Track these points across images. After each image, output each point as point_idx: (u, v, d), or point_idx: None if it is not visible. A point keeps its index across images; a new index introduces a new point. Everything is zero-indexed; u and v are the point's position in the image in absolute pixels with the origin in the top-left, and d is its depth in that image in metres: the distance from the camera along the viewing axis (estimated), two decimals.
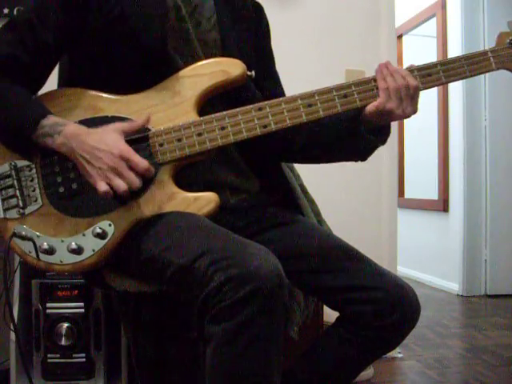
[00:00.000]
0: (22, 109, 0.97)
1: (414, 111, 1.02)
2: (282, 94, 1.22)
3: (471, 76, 1.02)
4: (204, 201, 0.98)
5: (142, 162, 0.92)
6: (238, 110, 0.99)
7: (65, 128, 0.94)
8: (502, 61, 1.01)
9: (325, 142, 1.12)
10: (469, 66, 1.01)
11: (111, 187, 0.91)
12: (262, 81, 1.16)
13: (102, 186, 0.90)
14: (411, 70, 1.02)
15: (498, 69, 1.02)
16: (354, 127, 1.05)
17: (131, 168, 0.91)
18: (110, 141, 0.92)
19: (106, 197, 0.91)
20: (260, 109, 0.99)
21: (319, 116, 1.00)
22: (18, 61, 1.00)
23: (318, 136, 1.11)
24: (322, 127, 1.09)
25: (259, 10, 1.24)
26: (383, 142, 1.09)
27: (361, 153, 1.12)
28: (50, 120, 0.95)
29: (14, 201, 1.00)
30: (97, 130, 0.95)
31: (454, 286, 3.56)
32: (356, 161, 1.15)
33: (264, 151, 1.16)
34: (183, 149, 0.99)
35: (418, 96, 1.02)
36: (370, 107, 1.01)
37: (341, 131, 1.07)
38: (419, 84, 1.01)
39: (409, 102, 1.00)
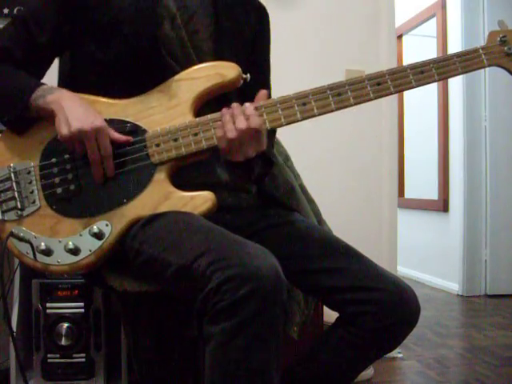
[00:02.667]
0: (21, 78, 1.03)
1: (258, 150, 0.97)
2: None
3: (463, 73, 1.04)
4: (200, 199, 0.98)
5: (108, 143, 0.96)
6: None
7: (56, 90, 1.00)
8: (494, 57, 1.03)
9: None
10: (461, 62, 1.03)
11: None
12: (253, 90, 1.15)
13: (65, 130, 0.95)
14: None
15: (489, 65, 1.04)
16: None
17: (98, 143, 0.96)
18: (95, 114, 0.97)
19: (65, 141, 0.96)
20: (255, 109, 1.00)
21: (314, 114, 1.01)
22: (11, 55, 1.05)
23: None
24: None
25: (263, 15, 1.23)
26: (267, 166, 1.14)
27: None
28: (44, 86, 1.01)
29: (12, 203, 1.01)
30: (87, 104, 1.00)
31: (454, 286, 3.56)
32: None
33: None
34: (179, 148, 0.99)
35: (262, 135, 0.97)
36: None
37: None
38: (263, 124, 0.97)
39: (250, 146, 0.96)
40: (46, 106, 0.98)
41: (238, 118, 0.95)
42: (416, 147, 4.11)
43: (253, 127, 0.94)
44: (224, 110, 0.97)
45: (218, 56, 1.10)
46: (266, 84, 1.24)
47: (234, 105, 0.97)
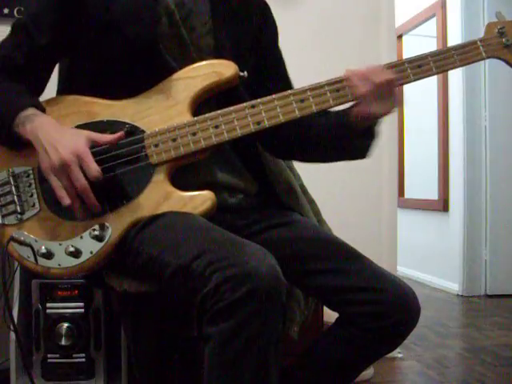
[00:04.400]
0: (7, 100, 1.00)
1: (395, 105, 1.01)
2: None
3: (462, 65, 1.03)
4: (200, 199, 0.98)
5: (94, 167, 0.93)
6: (231, 108, 1.00)
7: (36, 118, 0.97)
8: (492, 49, 1.02)
9: (319, 143, 1.14)
10: (459, 55, 1.02)
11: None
12: (270, 85, 1.15)
13: (52, 179, 0.93)
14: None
15: (488, 57, 1.03)
16: (343, 133, 1.06)
17: (83, 169, 0.92)
18: (73, 139, 0.94)
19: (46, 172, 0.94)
20: (253, 106, 1.00)
21: (312, 111, 1.00)
22: (13, 62, 1.03)
23: (311, 137, 1.13)
24: (315, 129, 1.10)
25: (265, 9, 1.22)
26: (376, 137, 1.09)
27: (357, 153, 1.13)
28: (28, 111, 0.98)
29: (12, 207, 1.01)
30: (67, 128, 0.98)
31: (454, 286, 3.56)
32: (355, 159, 1.16)
33: (261, 150, 1.17)
34: (178, 148, 0.99)
35: (394, 89, 1.01)
36: (354, 114, 1.01)
37: (333, 136, 1.09)
38: (394, 77, 1.00)
39: (388, 99, 1.00)
40: (25, 135, 0.97)
41: (369, 76, 0.98)
42: (416, 147, 4.11)
43: (387, 78, 0.98)
44: (348, 73, 1.01)
45: (218, 51, 1.09)
46: (283, 76, 1.23)
47: (353, 72, 1.00)
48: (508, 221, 3.46)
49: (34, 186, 1.01)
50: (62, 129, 0.97)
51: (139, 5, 1.03)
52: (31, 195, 1.01)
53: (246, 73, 1.04)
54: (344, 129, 1.05)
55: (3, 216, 1.01)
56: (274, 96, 1.00)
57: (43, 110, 1.01)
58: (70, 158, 0.92)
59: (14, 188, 1.01)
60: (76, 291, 1.62)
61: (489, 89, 3.40)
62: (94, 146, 0.97)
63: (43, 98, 1.08)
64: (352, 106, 1.03)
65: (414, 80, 1.02)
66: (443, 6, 3.66)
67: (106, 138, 0.98)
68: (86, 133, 0.97)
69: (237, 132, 1.00)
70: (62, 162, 0.92)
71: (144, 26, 1.02)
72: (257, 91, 1.09)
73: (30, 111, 0.98)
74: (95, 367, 1.63)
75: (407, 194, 4.22)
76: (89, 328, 1.62)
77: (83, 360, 1.61)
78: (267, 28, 1.22)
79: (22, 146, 1.00)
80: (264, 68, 1.18)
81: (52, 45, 1.05)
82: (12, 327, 1.01)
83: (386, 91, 0.99)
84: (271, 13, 1.24)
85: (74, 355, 1.61)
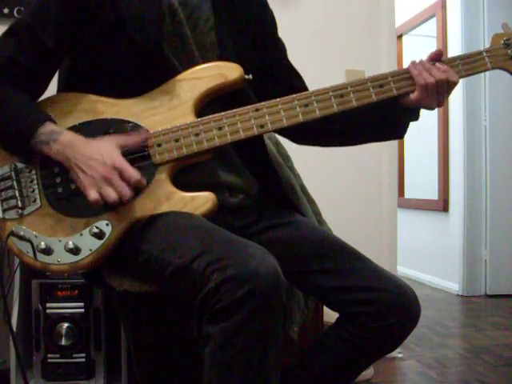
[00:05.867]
0: (20, 115, 0.98)
1: (447, 98, 1.07)
2: (301, 85, 1.22)
3: (467, 76, 1.05)
4: (201, 200, 0.98)
5: (134, 174, 0.93)
6: (235, 110, 1.00)
7: (60, 137, 0.96)
8: (498, 60, 1.04)
9: (359, 122, 1.15)
10: (464, 65, 1.04)
11: (102, 196, 0.92)
12: (275, 74, 1.17)
13: (92, 195, 0.92)
14: (454, 60, 1.04)
15: (493, 68, 1.05)
16: (387, 113, 1.10)
17: (123, 179, 0.93)
18: (104, 151, 0.94)
19: (96, 204, 0.93)
20: (257, 109, 1.00)
21: (315, 116, 1.01)
22: (17, 64, 1.00)
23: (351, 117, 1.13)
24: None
25: (263, 3, 1.23)
26: (417, 118, 1.13)
27: (398, 132, 1.18)
28: (46, 128, 0.96)
29: (13, 202, 1.01)
30: (93, 140, 0.97)
31: (454, 286, 3.56)
32: (393, 139, 1.25)
33: (262, 151, 1.17)
34: (181, 149, 0.99)
35: (454, 88, 1.05)
36: (408, 101, 1.05)
37: (377, 114, 1.11)
38: (458, 79, 1.03)
39: (445, 95, 1.04)
40: (51, 155, 0.96)
41: (434, 70, 1.02)
42: (416, 147, 4.10)
43: (451, 80, 1.02)
44: (414, 63, 1.04)
45: (221, 50, 1.09)
46: (286, 65, 1.24)
47: (421, 61, 1.03)
48: (508, 221, 3.46)
49: (35, 181, 1.01)
50: (89, 143, 0.96)
51: (144, 4, 1.03)
52: (33, 191, 1.01)
53: (250, 76, 1.04)
54: (390, 108, 1.08)
55: (4, 210, 1.01)
56: (278, 100, 1.01)
57: (54, 122, 1.00)
58: (110, 173, 0.92)
59: (15, 183, 1.01)
60: (76, 291, 1.62)
61: (489, 89, 3.40)
62: (122, 148, 0.97)
63: (43, 96, 1.07)
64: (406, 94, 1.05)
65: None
66: (443, 6, 3.66)
67: (132, 138, 0.98)
68: (114, 141, 0.97)
69: (240, 134, 1.00)
70: (104, 179, 0.92)
71: (149, 25, 1.01)
72: (262, 86, 1.09)
73: (48, 127, 0.97)
74: (95, 367, 1.63)
75: (407, 194, 4.22)
76: (89, 328, 1.62)
77: (83, 360, 1.61)
78: (266, 18, 1.22)
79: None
80: (267, 61, 1.18)
81: (58, 46, 1.03)
82: (8, 329, 1.00)
83: (447, 89, 1.03)
84: (268, 5, 1.24)
85: (74, 355, 1.61)
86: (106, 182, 0.92)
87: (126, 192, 0.93)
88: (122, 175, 0.93)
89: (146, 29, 1.01)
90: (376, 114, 1.10)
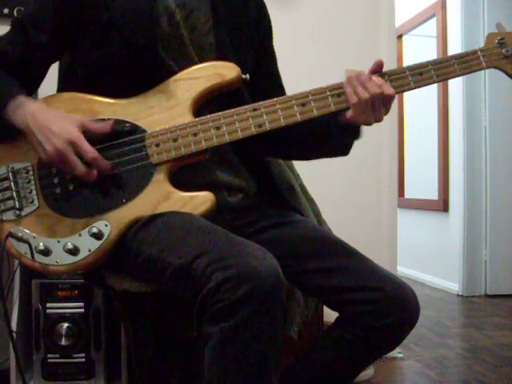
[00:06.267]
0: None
1: (386, 114, 1.03)
2: (282, 92, 1.22)
3: (462, 75, 1.04)
4: (200, 200, 0.98)
5: (89, 149, 0.94)
6: (233, 110, 1.00)
7: (25, 106, 0.97)
8: (492, 59, 1.04)
9: (300, 139, 1.15)
10: (459, 64, 1.03)
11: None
12: (261, 81, 1.16)
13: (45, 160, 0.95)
14: (383, 75, 1.01)
15: (487, 67, 1.04)
16: (326, 130, 1.07)
17: (80, 155, 0.93)
18: (63, 125, 0.95)
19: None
20: (255, 109, 1.00)
21: (313, 115, 1.01)
22: (7, 56, 1.04)
23: (292, 133, 1.13)
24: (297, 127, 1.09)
25: (261, 7, 1.23)
26: (357, 137, 1.09)
27: (338, 150, 1.14)
28: (17, 100, 0.98)
29: (10, 203, 1.01)
30: (58, 113, 0.98)
31: (454, 286, 3.56)
32: (337, 156, 1.17)
33: (258, 150, 1.17)
34: (179, 149, 0.99)
35: (391, 102, 1.02)
36: (344, 118, 1.01)
37: (315, 132, 1.10)
38: (393, 93, 1.00)
39: (382, 110, 1.01)
40: (17, 125, 0.97)
41: (369, 84, 0.98)
42: (416, 147, 4.11)
43: (386, 93, 0.98)
44: (350, 78, 1.00)
45: (219, 51, 1.10)
46: (273, 73, 1.24)
47: (357, 75, 1.00)
48: (508, 221, 3.46)
49: (33, 182, 1.01)
50: (50, 114, 0.97)
51: (139, 4, 1.03)
52: (30, 191, 1.01)
53: (248, 75, 1.04)
54: (329, 127, 1.06)
55: (1, 212, 1.01)
56: (275, 99, 1.00)
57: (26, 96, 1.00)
58: (64, 147, 0.93)
59: (12, 184, 1.01)
60: (76, 291, 1.62)
61: (489, 89, 3.41)
62: (86, 131, 0.97)
63: (43, 96, 1.07)
64: (343, 110, 1.02)
65: (415, 88, 1.03)
66: (443, 6, 3.66)
67: (98, 125, 0.98)
68: (75, 117, 0.98)
69: (238, 134, 1.00)
70: (57, 153, 0.93)
71: (142, 25, 1.02)
72: (252, 89, 1.09)
73: (19, 100, 0.98)
74: (95, 367, 1.63)
75: (407, 194, 4.22)
76: (89, 328, 1.62)
77: (83, 360, 1.61)
78: (263, 23, 1.22)
79: (19, 139, 1.00)
80: (258, 64, 1.18)
81: (50, 43, 1.05)
82: (9, 328, 1.00)
83: (383, 103, 1.00)
84: (266, 7, 1.24)
85: (74, 355, 1.61)
86: (59, 157, 0.93)
87: (80, 167, 0.93)
88: (77, 150, 0.93)
89: (139, 29, 1.01)
90: (317, 133, 1.09)
